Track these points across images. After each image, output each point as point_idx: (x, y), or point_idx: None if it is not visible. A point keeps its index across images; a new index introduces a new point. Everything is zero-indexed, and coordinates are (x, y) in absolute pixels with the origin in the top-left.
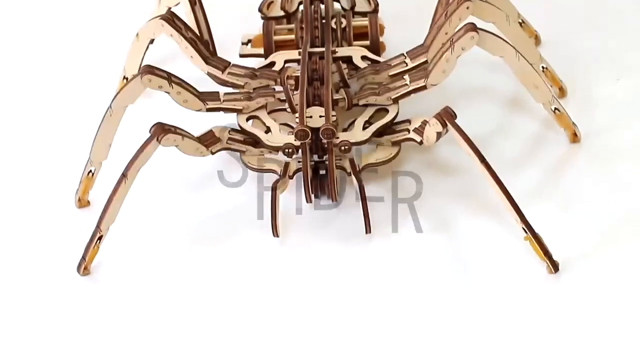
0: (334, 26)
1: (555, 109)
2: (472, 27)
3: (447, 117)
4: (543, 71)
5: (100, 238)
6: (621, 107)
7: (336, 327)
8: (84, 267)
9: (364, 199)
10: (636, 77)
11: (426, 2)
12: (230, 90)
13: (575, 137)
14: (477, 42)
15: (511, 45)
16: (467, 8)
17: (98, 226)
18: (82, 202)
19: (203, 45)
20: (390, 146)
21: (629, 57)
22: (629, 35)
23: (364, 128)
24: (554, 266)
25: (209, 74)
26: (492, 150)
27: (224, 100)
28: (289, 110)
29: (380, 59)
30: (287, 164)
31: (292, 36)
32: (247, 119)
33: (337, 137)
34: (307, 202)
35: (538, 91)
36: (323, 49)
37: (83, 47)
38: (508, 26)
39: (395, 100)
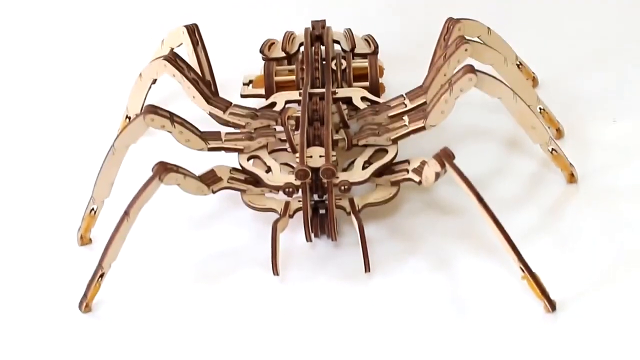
0: (334, 67)
1: (553, 149)
2: (471, 69)
3: (445, 157)
4: (540, 112)
5: (102, 275)
6: (618, 147)
7: None
8: (85, 304)
9: (363, 238)
10: (632, 118)
11: (425, 43)
12: (231, 130)
13: (572, 178)
14: (476, 84)
15: (509, 87)
16: (466, 50)
17: (100, 264)
18: (84, 240)
19: (205, 85)
20: (390, 186)
21: (625, 99)
22: (626, 76)
23: (364, 168)
24: (552, 305)
25: (210, 114)
26: (490, 189)
27: (225, 140)
28: (289, 150)
29: (380, 100)
30: (287, 203)
31: (293, 77)
32: (248, 159)
33: (337, 177)
34: (307, 241)
35: (535, 132)
36: (323, 90)
37: (86, 86)
38: (506, 68)
39: (395, 141)
